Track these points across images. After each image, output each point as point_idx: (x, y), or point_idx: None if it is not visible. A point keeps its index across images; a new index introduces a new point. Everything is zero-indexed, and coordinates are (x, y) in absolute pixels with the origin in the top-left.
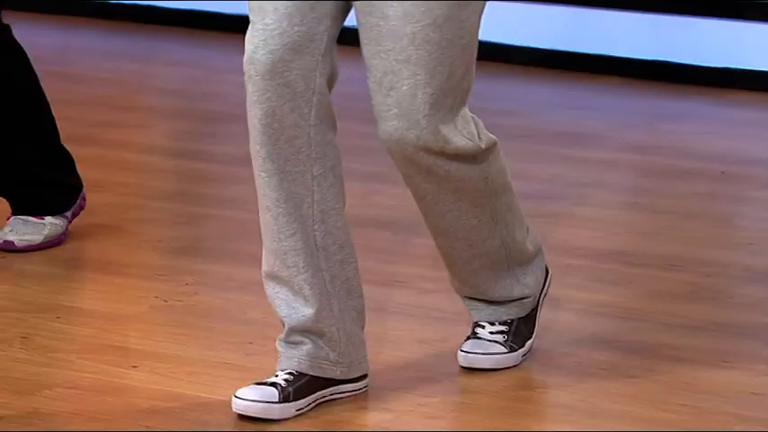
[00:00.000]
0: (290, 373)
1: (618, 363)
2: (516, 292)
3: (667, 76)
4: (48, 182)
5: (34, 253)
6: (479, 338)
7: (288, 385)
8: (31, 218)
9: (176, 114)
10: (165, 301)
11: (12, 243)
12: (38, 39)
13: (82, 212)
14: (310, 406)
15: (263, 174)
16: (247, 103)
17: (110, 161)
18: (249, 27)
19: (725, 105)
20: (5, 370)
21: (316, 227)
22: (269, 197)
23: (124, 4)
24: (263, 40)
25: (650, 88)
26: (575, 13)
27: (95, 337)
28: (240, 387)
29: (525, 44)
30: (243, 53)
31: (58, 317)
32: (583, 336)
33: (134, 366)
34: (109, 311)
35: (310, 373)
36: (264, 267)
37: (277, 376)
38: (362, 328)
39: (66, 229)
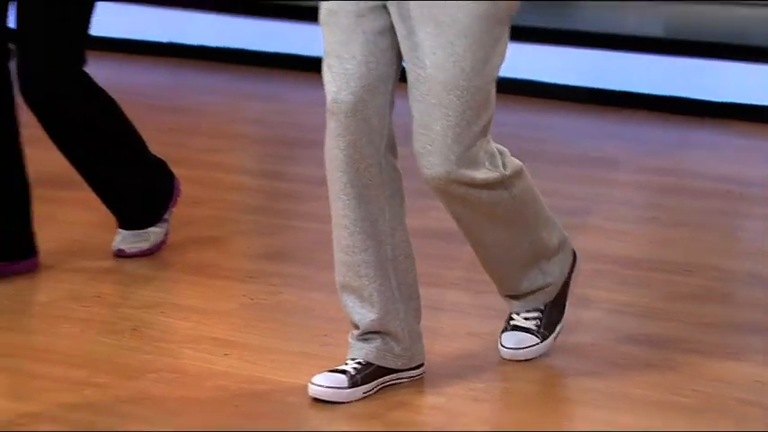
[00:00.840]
0: (359, 363)
1: (639, 354)
2: (539, 282)
3: (681, 109)
4: (145, 198)
5: (141, 258)
6: (515, 327)
7: (356, 373)
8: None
9: (261, 141)
10: (253, 300)
11: (123, 251)
12: (151, 77)
13: (184, 223)
14: (375, 390)
15: (343, 197)
16: (328, 137)
17: (208, 181)
18: (328, 70)
19: (731, 135)
20: (118, 357)
21: (387, 241)
22: (348, 217)
23: (219, 48)
24: (346, 83)
25: (667, 120)
26: (602, 55)
27: (193, 330)
28: (315, 373)
29: (559, 82)
30: (314, 89)
31: (162, 312)
32: (609, 330)
33: (225, 354)
34: (205, 308)
35: (377, 363)
36: (338, 278)
37: (347, 364)
38: (419, 323)
39: (167, 229)
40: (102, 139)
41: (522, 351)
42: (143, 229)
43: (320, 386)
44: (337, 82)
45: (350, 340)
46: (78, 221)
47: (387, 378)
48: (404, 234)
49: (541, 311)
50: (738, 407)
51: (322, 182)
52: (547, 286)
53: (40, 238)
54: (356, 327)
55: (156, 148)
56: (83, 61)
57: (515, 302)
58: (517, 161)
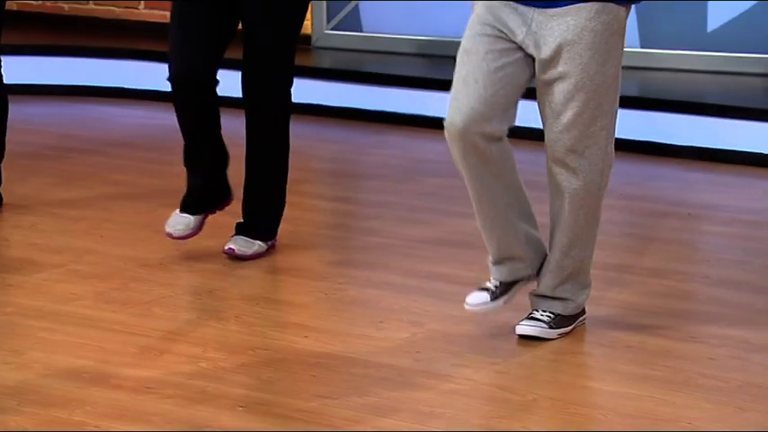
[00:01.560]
0: (494, 285)
1: (620, 338)
2: (567, 293)
3: (651, 150)
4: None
5: (244, 262)
6: (532, 317)
7: (496, 289)
8: (247, 238)
9: (333, 174)
10: (326, 294)
11: (233, 250)
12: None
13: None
14: (512, 295)
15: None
16: None
17: (294, 204)
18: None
19: (692, 170)
20: (224, 338)
21: (508, 201)
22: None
23: (301, 103)
24: None
25: (640, 158)
26: None
27: (281, 318)
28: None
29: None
30: (374, 135)
31: (258, 303)
32: (597, 320)
33: (305, 336)
34: (290, 300)
35: (509, 280)
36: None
37: (490, 282)
38: (537, 229)
39: (272, 246)
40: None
41: (529, 328)
42: (253, 238)
43: (472, 304)
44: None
45: (490, 265)
46: None
47: (517, 286)
48: (524, 203)
49: (554, 315)
50: (697, 378)
51: (378, 204)
52: (569, 300)
53: (163, 249)
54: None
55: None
56: None
57: (539, 300)
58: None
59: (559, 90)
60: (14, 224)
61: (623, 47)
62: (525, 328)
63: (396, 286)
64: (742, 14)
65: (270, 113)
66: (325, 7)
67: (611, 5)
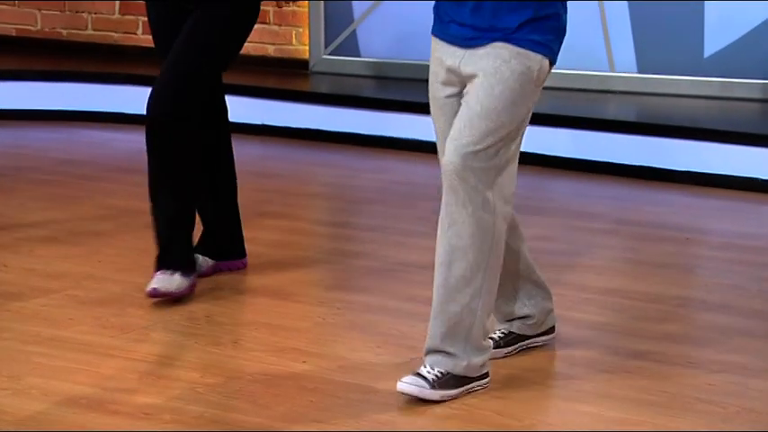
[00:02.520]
0: (502, 332)
1: (617, 363)
2: (453, 350)
3: (649, 175)
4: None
5: (242, 287)
6: (418, 374)
7: (500, 339)
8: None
9: (331, 198)
10: (324, 319)
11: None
12: (248, 150)
13: (272, 261)
14: (515, 350)
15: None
16: None
17: (290, 228)
18: None
19: (688, 195)
20: (222, 363)
21: (520, 268)
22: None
23: (300, 129)
24: None
25: (638, 184)
26: (591, 134)
27: (279, 343)
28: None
29: (559, 154)
30: (370, 159)
31: (256, 329)
32: (594, 345)
33: (304, 361)
34: (288, 325)
35: (515, 332)
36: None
37: (495, 333)
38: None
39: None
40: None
41: (409, 388)
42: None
43: (404, 384)
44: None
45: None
46: None
47: (524, 342)
48: (523, 256)
49: (442, 374)
50: (695, 404)
51: (376, 229)
52: (458, 357)
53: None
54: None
55: (254, 203)
56: None
57: (427, 355)
58: (512, 220)
59: (464, 114)
60: (13, 250)
61: (536, 98)
62: (404, 385)
63: (393, 311)
64: (738, 40)
65: (172, 132)
66: (322, 32)
67: (534, 54)
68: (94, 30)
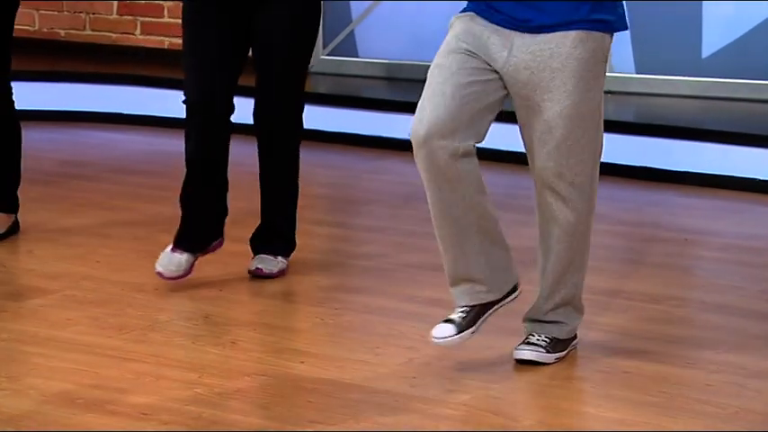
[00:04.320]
0: (462, 310)
1: (617, 363)
2: (561, 317)
3: (648, 176)
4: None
5: (240, 287)
6: (529, 342)
7: (461, 320)
8: (271, 256)
9: (330, 199)
10: (322, 320)
11: (261, 270)
12: (243, 150)
13: None
14: (479, 325)
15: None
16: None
17: None
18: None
19: (688, 196)
20: (221, 364)
21: (473, 237)
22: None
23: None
24: None
25: (638, 184)
26: None
27: (278, 343)
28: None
29: None
30: (370, 160)
31: (254, 329)
32: (594, 345)
33: (302, 362)
34: (286, 326)
35: (471, 304)
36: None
37: (455, 312)
38: (506, 252)
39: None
40: None
41: (527, 352)
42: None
43: (437, 338)
44: None
45: (452, 293)
46: None
47: (487, 313)
48: (486, 209)
49: (550, 339)
50: (694, 404)
51: (375, 230)
52: (564, 324)
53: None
54: (450, 279)
55: (253, 204)
56: None
57: (534, 325)
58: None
59: (544, 118)
60: (11, 250)
61: (605, 74)
62: (523, 352)
63: (392, 312)
64: (737, 41)
65: (283, 140)
66: (321, 33)
67: (596, 33)
68: (93, 30)
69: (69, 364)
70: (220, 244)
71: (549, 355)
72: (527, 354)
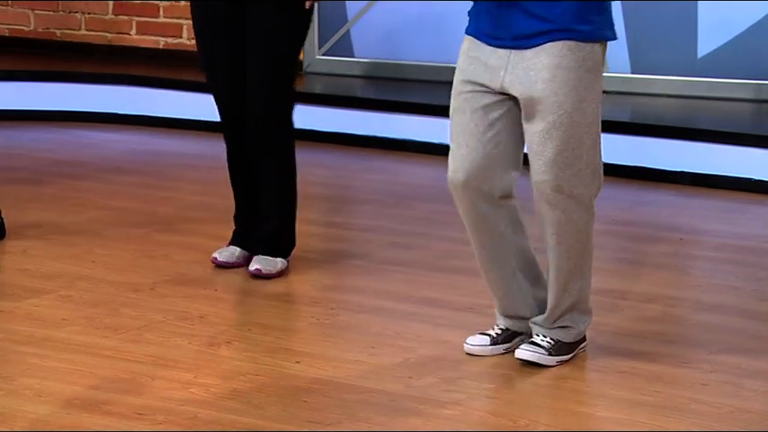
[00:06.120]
0: (500, 328)
1: (612, 363)
2: (567, 321)
3: (643, 175)
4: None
5: (236, 287)
6: (533, 342)
7: (497, 336)
8: (269, 257)
9: (325, 199)
10: (318, 320)
11: (260, 270)
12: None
13: None
14: (513, 345)
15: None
16: None
17: None
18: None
19: (683, 196)
20: (216, 364)
21: (514, 264)
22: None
23: (296, 129)
24: None
25: (631, 184)
26: None
27: (273, 343)
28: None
29: None
30: (364, 160)
31: (249, 329)
32: (590, 345)
33: (297, 362)
34: (282, 326)
35: (513, 329)
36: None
37: (493, 329)
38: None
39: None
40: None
41: (528, 352)
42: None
43: (471, 345)
44: None
45: (497, 312)
46: (184, 260)
47: (522, 337)
48: (529, 253)
49: (555, 341)
50: (689, 404)
51: (370, 230)
52: (570, 328)
53: (154, 274)
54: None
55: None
56: None
57: (540, 326)
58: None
59: (538, 129)
60: (6, 249)
61: (601, 83)
62: (524, 353)
63: (388, 311)
64: (732, 41)
65: (267, 138)
66: (316, 33)
67: (584, 43)
68: (88, 30)
69: (64, 365)
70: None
71: (551, 357)
72: (526, 354)
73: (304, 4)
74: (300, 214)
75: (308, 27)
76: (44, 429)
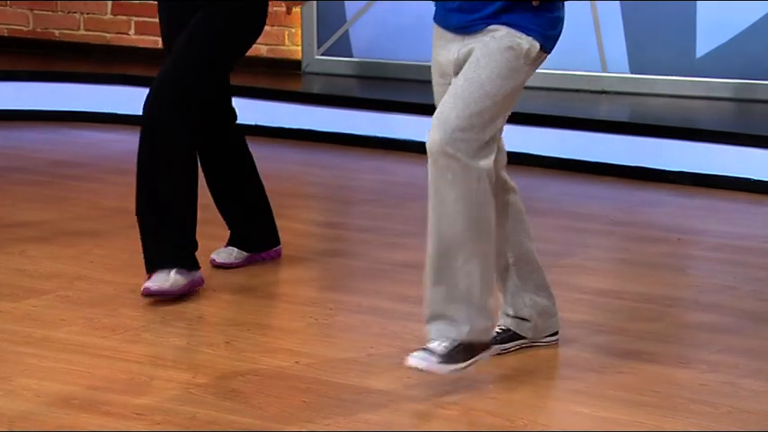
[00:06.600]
0: (501, 327)
1: (610, 363)
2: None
3: (641, 176)
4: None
5: (234, 287)
6: (425, 348)
7: (497, 335)
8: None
9: (323, 199)
10: (316, 320)
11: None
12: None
13: (266, 261)
14: (510, 348)
15: None
16: None
17: (285, 229)
18: None
19: (681, 196)
20: (214, 363)
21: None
22: None
23: (294, 129)
24: None
25: (630, 184)
26: (582, 135)
27: (271, 343)
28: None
29: (552, 155)
30: (364, 160)
31: (248, 329)
32: (587, 345)
33: (295, 362)
34: (280, 326)
35: (513, 330)
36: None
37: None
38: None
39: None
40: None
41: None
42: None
43: None
44: None
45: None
46: None
47: (520, 341)
48: (527, 245)
49: (450, 347)
50: (687, 404)
51: (368, 230)
52: (459, 324)
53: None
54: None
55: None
56: None
57: (434, 327)
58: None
59: (454, 84)
60: (4, 250)
61: (525, 78)
62: (413, 360)
63: (385, 312)
64: (731, 41)
65: (164, 129)
66: (315, 32)
67: (516, 32)
68: (87, 30)
69: (63, 365)
70: (276, 254)
71: (442, 366)
72: (414, 361)
73: (251, 13)
74: (298, 214)
75: (248, 36)
76: (42, 429)
